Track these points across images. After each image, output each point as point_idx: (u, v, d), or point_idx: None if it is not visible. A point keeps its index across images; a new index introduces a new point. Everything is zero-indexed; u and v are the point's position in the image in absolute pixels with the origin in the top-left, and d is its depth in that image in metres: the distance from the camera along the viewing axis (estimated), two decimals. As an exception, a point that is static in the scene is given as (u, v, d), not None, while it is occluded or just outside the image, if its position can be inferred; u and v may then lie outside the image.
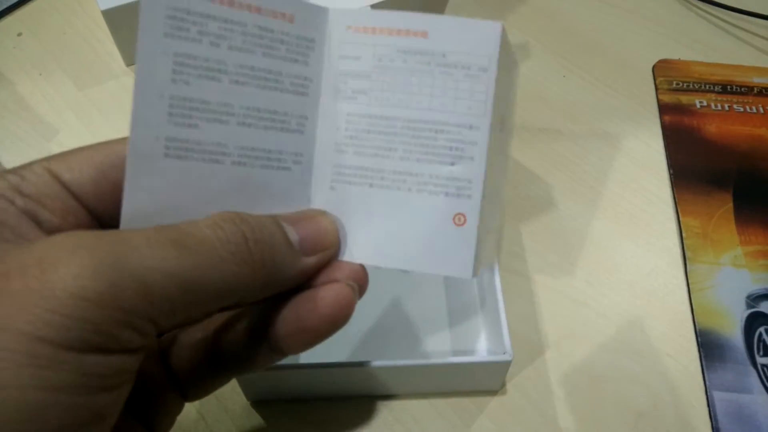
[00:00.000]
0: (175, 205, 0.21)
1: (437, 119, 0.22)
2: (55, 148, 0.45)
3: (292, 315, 0.23)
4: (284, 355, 0.24)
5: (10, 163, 0.45)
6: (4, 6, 0.52)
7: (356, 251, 0.24)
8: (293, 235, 0.22)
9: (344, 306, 0.22)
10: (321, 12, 0.23)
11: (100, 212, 0.22)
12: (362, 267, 0.24)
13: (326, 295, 0.22)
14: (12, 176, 0.21)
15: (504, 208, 0.28)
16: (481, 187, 0.22)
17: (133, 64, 0.50)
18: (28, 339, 0.16)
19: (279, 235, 0.22)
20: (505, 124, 0.26)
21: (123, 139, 0.21)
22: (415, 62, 0.23)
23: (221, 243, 0.20)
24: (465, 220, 0.22)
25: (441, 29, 0.22)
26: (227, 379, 0.25)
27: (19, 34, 0.51)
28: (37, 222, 0.21)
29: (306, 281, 0.23)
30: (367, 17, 0.23)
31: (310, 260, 0.22)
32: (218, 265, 0.20)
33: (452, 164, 0.22)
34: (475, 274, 0.23)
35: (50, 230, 0.21)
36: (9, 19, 0.53)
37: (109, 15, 0.46)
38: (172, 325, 0.20)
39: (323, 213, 0.24)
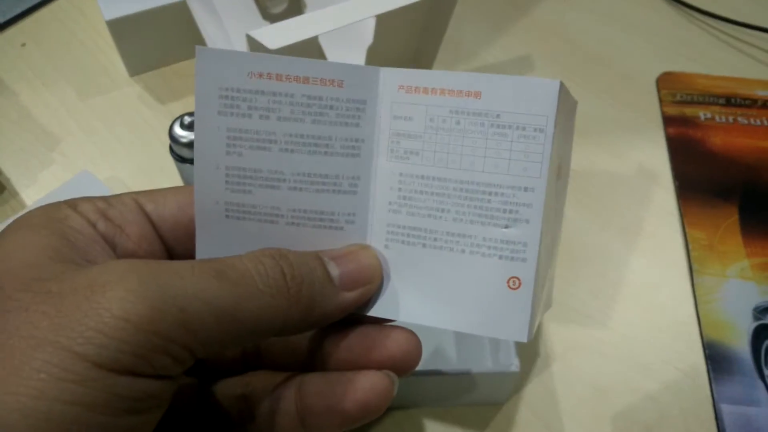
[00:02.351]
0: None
1: (490, 181, 0.22)
2: (58, 158, 0.45)
3: (327, 392, 0.23)
4: None
5: (13, 172, 0.44)
6: (8, 17, 0.52)
7: (408, 311, 0.23)
8: (334, 270, 0.22)
9: (379, 395, 0.22)
10: (372, 73, 0.23)
11: (173, 244, 0.23)
12: (416, 342, 0.23)
13: (364, 381, 0.22)
14: (101, 202, 0.22)
15: (557, 256, 0.28)
16: (537, 250, 0.22)
17: (135, 75, 0.50)
18: (67, 354, 0.17)
19: (319, 270, 0.22)
20: (562, 171, 0.25)
21: None
22: (468, 123, 0.22)
23: (260, 276, 0.20)
24: (520, 284, 0.22)
25: (495, 89, 0.22)
26: None
27: (23, 45, 0.51)
28: (113, 245, 0.22)
29: (350, 316, 0.23)
30: (418, 77, 0.23)
31: (351, 295, 0.22)
32: (255, 296, 0.20)
33: (506, 227, 0.22)
34: (530, 336, 0.22)
35: (124, 254, 0.22)
36: (13, 30, 0.53)
37: (114, 25, 0.46)
38: (209, 354, 0.20)
39: (366, 247, 0.23)
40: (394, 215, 0.23)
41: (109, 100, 0.49)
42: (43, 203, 0.22)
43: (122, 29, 0.47)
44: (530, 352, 0.38)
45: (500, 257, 0.22)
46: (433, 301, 0.23)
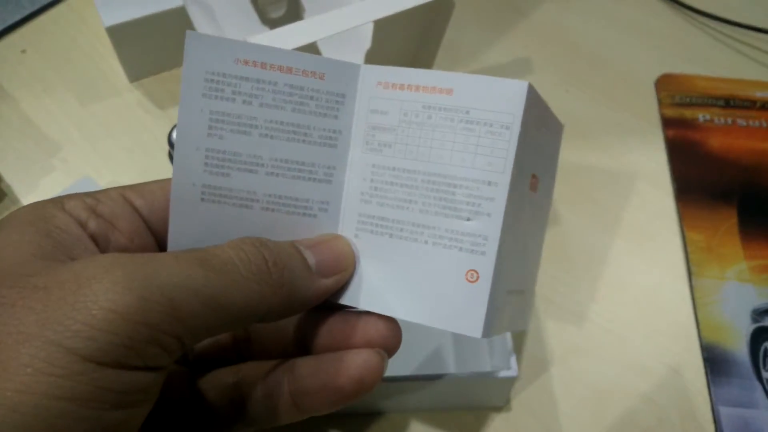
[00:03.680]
0: (213, 242, 0.22)
1: (456, 174, 0.22)
2: (59, 165, 0.45)
3: (321, 372, 0.23)
4: (305, 414, 0.24)
5: (14, 179, 0.45)
6: (8, 23, 0.53)
7: (371, 300, 0.24)
8: (310, 258, 0.23)
9: (372, 371, 0.23)
10: (352, 69, 0.24)
11: (163, 236, 0.24)
12: (395, 328, 0.24)
13: (356, 358, 0.23)
14: (89, 198, 0.22)
15: (536, 275, 0.28)
16: (497, 244, 0.22)
17: (135, 81, 0.51)
18: (54, 348, 0.17)
19: (297, 258, 0.22)
20: (540, 184, 0.25)
21: None
22: (439, 118, 0.23)
23: (243, 263, 0.21)
24: (478, 278, 0.22)
25: (466, 87, 0.23)
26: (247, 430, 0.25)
27: (23, 51, 0.52)
28: (107, 242, 0.22)
29: (325, 303, 0.24)
30: (395, 74, 0.24)
31: (327, 282, 0.23)
32: (240, 284, 0.20)
33: (468, 219, 0.22)
34: (487, 334, 0.22)
35: (117, 250, 0.22)
36: (13, 36, 0.53)
37: (113, 31, 0.46)
38: (196, 342, 0.20)
39: (339, 237, 0.24)
40: (365, 205, 0.24)
41: (109, 106, 0.49)
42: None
43: (122, 35, 0.47)
44: (529, 355, 0.38)
45: (460, 249, 0.22)
46: (395, 292, 0.23)
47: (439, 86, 0.23)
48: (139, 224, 0.23)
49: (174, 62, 0.51)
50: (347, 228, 0.24)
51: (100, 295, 0.18)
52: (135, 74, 0.50)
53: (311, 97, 0.24)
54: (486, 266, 0.22)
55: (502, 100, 0.22)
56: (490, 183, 0.22)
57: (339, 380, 0.23)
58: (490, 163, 0.22)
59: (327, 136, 0.24)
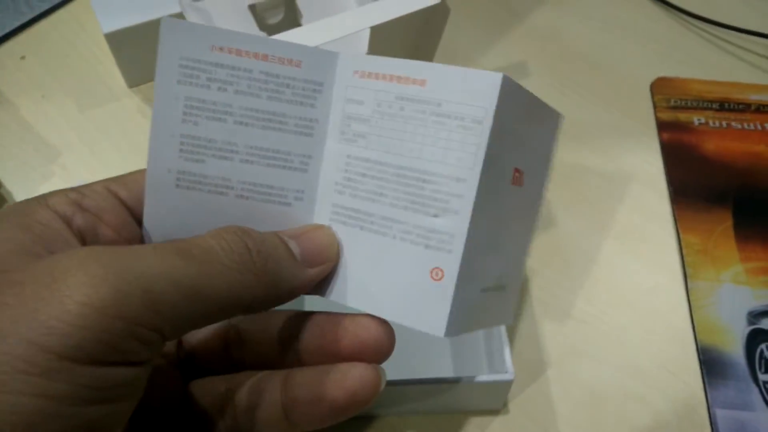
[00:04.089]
0: (187, 229, 0.22)
1: (426, 168, 0.22)
2: (58, 170, 0.46)
3: (315, 382, 0.23)
4: (295, 427, 0.24)
5: (14, 185, 0.45)
6: (7, 29, 0.53)
7: (339, 291, 0.24)
8: (295, 248, 0.23)
9: (367, 386, 0.23)
10: (330, 57, 0.24)
11: None
12: (388, 330, 0.23)
13: (353, 371, 0.23)
14: (73, 193, 0.22)
15: (522, 269, 0.28)
16: (463, 242, 0.21)
17: (134, 86, 0.51)
18: (29, 345, 0.17)
19: (282, 248, 0.22)
20: (527, 178, 0.25)
21: None
22: (411, 110, 0.22)
23: (225, 252, 0.20)
24: (442, 276, 0.22)
25: (440, 78, 0.22)
26: None
27: (22, 57, 0.52)
28: (95, 236, 0.22)
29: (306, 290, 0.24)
30: (372, 63, 0.23)
31: (313, 271, 0.23)
32: (223, 273, 0.20)
33: (435, 216, 0.22)
34: (450, 333, 0.22)
35: (105, 243, 0.22)
36: (12, 43, 0.53)
37: (112, 38, 0.47)
38: (178, 334, 0.20)
39: (322, 227, 0.24)
40: (339, 196, 0.24)
41: (108, 111, 0.49)
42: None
43: (120, 41, 0.47)
44: (525, 358, 0.38)
45: (426, 246, 0.22)
46: (363, 285, 0.23)
47: (413, 77, 0.22)
48: (125, 216, 0.23)
49: (172, 68, 0.51)
50: (321, 218, 0.24)
51: (75, 289, 0.17)
52: (134, 80, 0.51)
53: (287, 85, 0.23)
54: (451, 265, 0.22)
55: (475, 92, 0.21)
56: (458, 179, 0.22)
57: (334, 392, 0.22)
58: (459, 158, 0.22)
59: (303, 125, 0.24)
